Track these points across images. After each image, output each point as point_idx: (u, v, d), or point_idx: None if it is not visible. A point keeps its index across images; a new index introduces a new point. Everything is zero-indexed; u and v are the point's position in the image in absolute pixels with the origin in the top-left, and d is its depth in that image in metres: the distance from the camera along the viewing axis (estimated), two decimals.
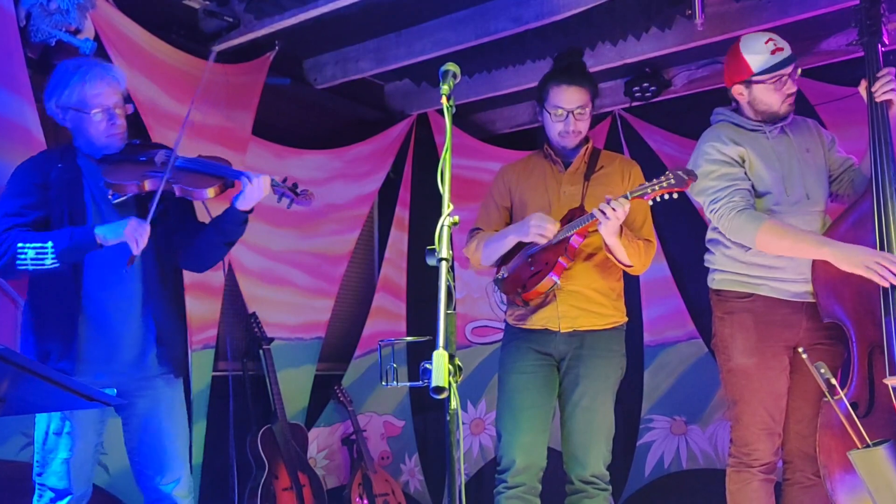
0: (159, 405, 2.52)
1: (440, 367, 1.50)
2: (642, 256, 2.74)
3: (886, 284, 2.44)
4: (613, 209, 2.50)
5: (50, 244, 2.31)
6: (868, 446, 2.44)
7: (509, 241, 2.76)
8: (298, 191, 2.57)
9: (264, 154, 4.08)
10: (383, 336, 4.50)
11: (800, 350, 2.55)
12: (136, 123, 3.46)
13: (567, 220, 2.70)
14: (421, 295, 4.77)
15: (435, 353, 1.52)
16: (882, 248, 2.51)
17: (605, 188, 2.77)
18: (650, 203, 2.59)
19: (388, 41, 4.07)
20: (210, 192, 2.46)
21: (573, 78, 2.76)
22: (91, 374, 2.40)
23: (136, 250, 2.30)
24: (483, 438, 4.81)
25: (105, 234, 2.33)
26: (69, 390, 1.61)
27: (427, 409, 4.76)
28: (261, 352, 3.94)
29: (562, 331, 2.74)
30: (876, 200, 2.55)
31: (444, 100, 1.82)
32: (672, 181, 2.50)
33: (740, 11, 3.57)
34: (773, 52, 2.68)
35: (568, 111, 2.75)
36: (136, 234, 2.31)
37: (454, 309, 1.60)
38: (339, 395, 4.33)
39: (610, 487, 2.76)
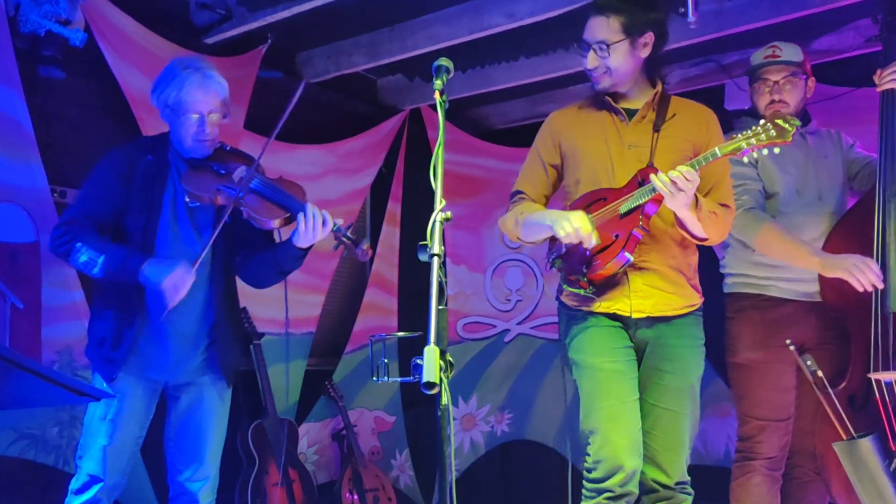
0: (202, 403, 2.54)
1: (431, 363, 1.50)
2: (720, 226, 2.30)
3: (861, 289, 2.51)
4: (687, 180, 2.09)
5: (102, 259, 2.33)
6: (853, 438, 2.48)
7: (545, 231, 2.33)
8: (357, 241, 2.54)
9: (256, 148, 4.03)
10: (374, 331, 4.50)
11: (787, 342, 2.61)
12: (126, 115, 3.44)
13: (637, 182, 2.27)
14: (412, 290, 4.76)
15: (426, 349, 1.52)
16: (879, 240, 2.58)
17: (680, 141, 2.35)
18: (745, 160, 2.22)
19: (381, 35, 4.06)
20: (276, 223, 2.47)
21: (600, 3, 2.34)
22: (141, 368, 2.44)
23: (171, 303, 2.32)
24: (474, 434, 4.81)
25: (149, 275, 2.34)
26: (59, 385, 1.59)
27: (418, 404, 4.76)
28: (251, 347, 3.93)
29: (633, 317, 2.30)
30: (879, 191, 2.62)
31: (437, 95, 1.81)
32: (773, 133, 2.10)
33: (734, 10, 3.57)
34: (765, 57, 2.77)
35: (590, 45, 2.34)
36: (176, 285, 2.31)
37: (446, 305, 1.60)
38: (330, 390, 4.33)
39: (692, 491, 2.35)
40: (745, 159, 2.23)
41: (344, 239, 2.54)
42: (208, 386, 2.55)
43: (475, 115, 5.07)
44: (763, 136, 2.11)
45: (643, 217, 2.23)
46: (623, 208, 2.25)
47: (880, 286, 2.52)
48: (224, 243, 2.53)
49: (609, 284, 2.29)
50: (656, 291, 2.31)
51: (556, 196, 2.55)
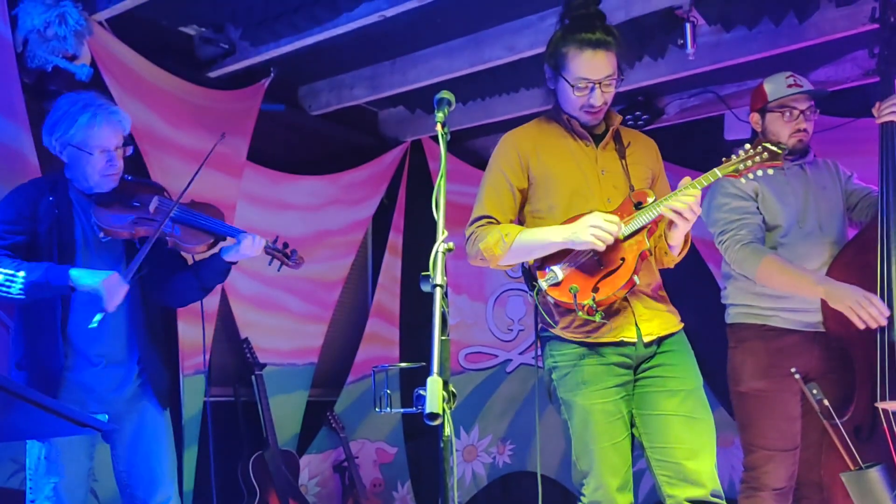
0: (145, 428, 2.54)
1: (434, 394, 1.50)
2: (687, 248, 2.35)
3: (862, 326, 2.51)
4: (693, 209, 2.13)
5: (22, 274, 2.28)
6: (860, 468, 2.47)
7: (554, 247, 2.23)
8: (290, 252, 2.66)
9: (259, 179, 4.09)
10: (376, 362, 4.49)
11: (792, 370, 2.60)
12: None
13: (632, 205, 2.25)
14: (414, 321, 4.76)
15: (429, 380, 1.51)
16: (882, 270, 2.58)
17: (644, 168, 2.39)
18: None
19: (383, 68, 4.11)
20: (201, 248, 2.52)
21: (598, 37, 2.24)
22: (79, 404, 2.41)
23: (110, 307, 2.31)
24: (476, 465, 4.77)
25: (80, 279, 2.31)
26: (60, 416, 1.59)
27: (419, 435, 4.73)
28: (253, 378, 3.92)
29: (644, 340, 2.25)
30: (881, 223, 2.63)
31: (439, 127, 1.82)
32: (765, 155, 2.17)
33: (731, 42, 3.62)
34: (788, 86, 2.80)
35: (594, 82, 2.26)
36: (113, 292, 2.30)
37: (448, 335, 1.60)
38: (332, 421, 4.31)
39: None
40: (743, 180, 2.25)
41: (274, 252, 2.65)
42: (149, 410, 2.56)
43: (476, 146, 5.10)
44: (757, 158, 2.17)
45: (648, 236, 2.22)
46: (626, 230, 2.21)
47: (883, 323, 2.50)
48: (139, 271, 2.53)
49: (610, 311, 2.24)
50: (657, 313, 2.30)
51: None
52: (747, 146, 2.21)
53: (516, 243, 2.24)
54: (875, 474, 2.46)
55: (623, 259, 2.20)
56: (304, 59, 3.87)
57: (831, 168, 2.93)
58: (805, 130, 2.80)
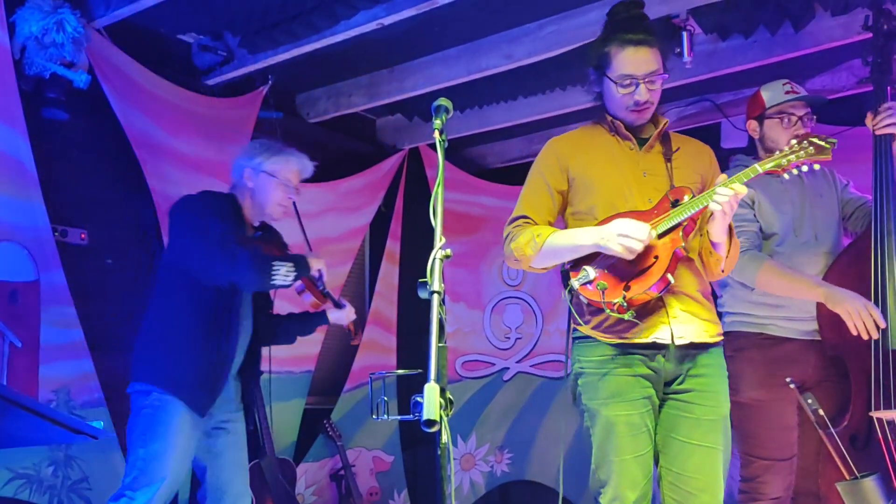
0: (240, 440, 2.78)
1: (432, 400, 1.50)
2: (736, 255, 2.28)
3: (855, 333, 2.50)
4: (739, 189, 2.06)
5: (290, 264, 2.58)
6: (856, 478, 2.47)
7: (584, 249, 2.20)
8: (355, 330, 3.15)
9: None
10: (373, 369, 4.49)
11: (787, 380, 2.60)
12: (128, 155, 3.47)
13: (669, 202, 2.20)
14: (411, 328, 4.76)
15: (426, 386, 1.51)
16: (877, 280, 2.59)
17: (692, 172, 2.32)
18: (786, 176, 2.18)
19: (381, 76, 4.12)
20: (315, 307, 2.99)
21: (641, 36, 2.24)
22: (216, 408, 2.67)
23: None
24: (473, 474, 4.76)
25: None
26: (57, 423, 1.59)
27: (416, 443, 4.72)
28: None
29: (675, 344, 2.18)
30: (874, 233, 2.63)
31: (436, 134, 1.82)
32: (811, 150, 2.09)
33: (727, 50, 3.63)
34: (786, 93, 2.81)
35: (639, 79, 2.24)
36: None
37: (445, 342, 1.60)
38: (329, 429, 4.30)
39: None
40: (786, 175, 2.18)
41: (352, 327, 3.15)
42: (240, 422, 2.79)
43: (473, 154, 5.11)
44: (802, 153, 2.10)
45: (684, 234, 2.16)
46: (660, 228, 2.15)
47: (875, 335, 2.49)
48: (254, 310, 2.84)
49: (645, 311, 2.17)
50: (695, 318, 2.21)
51: (557, 223, 2.45)
52: (793, 141, 2.14)
53: (547, 244, 2.22)
54: (871, 483, 2.46)
55: (657, 257, 2.14)
56: (302, 67, 3.88)
57: (828, 176, 2.94)
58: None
